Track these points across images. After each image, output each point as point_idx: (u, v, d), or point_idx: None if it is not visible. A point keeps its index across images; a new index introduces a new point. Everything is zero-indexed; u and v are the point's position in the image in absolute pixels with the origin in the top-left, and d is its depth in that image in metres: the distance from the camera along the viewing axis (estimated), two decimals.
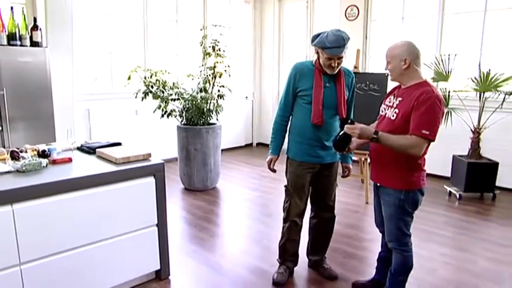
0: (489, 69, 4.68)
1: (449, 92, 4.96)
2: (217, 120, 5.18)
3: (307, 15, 7.08)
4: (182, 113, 5.00)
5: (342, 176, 2.96)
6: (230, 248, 3.53)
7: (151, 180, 2.75)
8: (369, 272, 3.02)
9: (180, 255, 3.34)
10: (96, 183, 2.48)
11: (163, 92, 4.83)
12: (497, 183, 4.83)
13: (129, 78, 4.84)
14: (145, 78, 4.92)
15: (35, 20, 4.07)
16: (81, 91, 5.39)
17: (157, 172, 2.77)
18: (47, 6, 4.62)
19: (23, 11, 4.03)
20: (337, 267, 3.11)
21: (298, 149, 2.78)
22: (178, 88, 4.97)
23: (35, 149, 2.75)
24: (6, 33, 3.88)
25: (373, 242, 3.57)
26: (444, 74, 4.94)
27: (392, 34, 5.99)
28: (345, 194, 4.89)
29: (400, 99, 2.36)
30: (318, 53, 2.62)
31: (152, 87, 4.82)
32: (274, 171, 2.90)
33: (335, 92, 2.68)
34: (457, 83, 5.20)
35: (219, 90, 5.14)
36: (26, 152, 2.71)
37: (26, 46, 3.99)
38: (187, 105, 4.93)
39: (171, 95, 4.88)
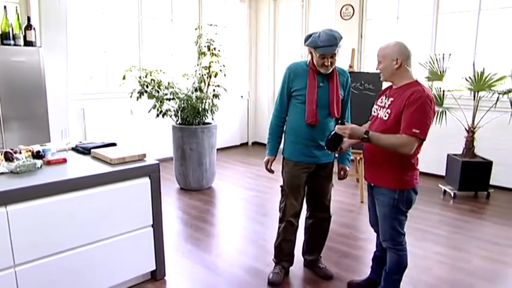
0: (483, 69, 4.70)
1: (443, 91, 4.99)
2: (212, 119, 5.17)
3: (302, 14, 7.07)
4: (177, 112, 4.99)
5: (339, 178, 2.96)
6: (226, 248, 3.53)
7: (146, 181, 2.74)
8: (364, 271, 3.02)
9: (175, 255, 3.33)
10: (91, 184, 2.47)
11: (158, 92, 4.82)
12: (491, 182, 4.85)
13: (124, 77, 4.82)
14: (140, 77, 4.90)
15: (28, 19, 4.04)
16: (75, 91, 5.36)
17: (153, 172, 2.77)
18: (40, 6, 4.59)
19: (16, 11, 4.00)
20: (333, 267, 3.12)
21: (293, 149, 2.79)
22: (173, 88, 4.95)
23: (29, 150, 2.73)
24: (0, 32, 3.85)
25: (369, 241, 3.58)
26: (439, 73, 4.96)
27: (388, 33, 6.01)
28: (340, 193, 4.90)
29: (391, 99, 2.37)
30: (311, 53, 2.63)
31: (147, 86, 4.80)
32: (271, 171, 2.91)
33: (329, 91, 2.68)
34: (452, 82, 5.22)
35: (214, 90, 5.13)
36: (20, 152, 2.69)
37: (20, 46, 3.96)
38: (182, 105, 4.91)
39: (166, 94, 4.86)
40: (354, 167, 5.28)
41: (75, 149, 3.02)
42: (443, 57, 4.92)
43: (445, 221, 4.16)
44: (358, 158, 4.88)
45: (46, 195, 2.29)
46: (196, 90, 5.01)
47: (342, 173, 2.94)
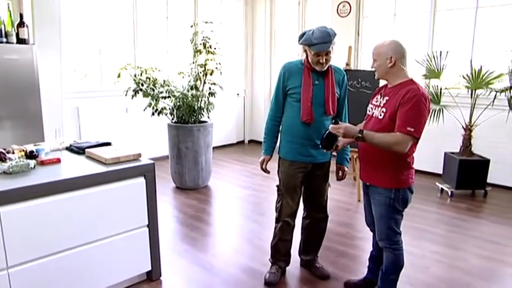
0: (481, 66, 4.69)
1: (440, 89, 4.97)
2: (208, 118, 5.14)
3: (299, 11, 7.04)
4: (173, 111, 4.95)
5: (337, 179, 2.94)
6: (222, 248, 3.51)
7: (141, 181, 2.72)
8: (361, 270, 3.01)
9: (171, 255, 3.31)
10: (85, 184, 2.45)
11: (153, 90, 4.78)
12: (489, 180, 4.86)
13: (118, 75, 4.78)
14: (135, 75, 4.86)
15: (21, 16, 3.98)
16: (70, 89, 5.32)
17: (148, 172, 2.74)
18: (33, 3, 4.52)
19: (8, 7, 3.93)
20: (329, 266, 3.11)
21: (289, 148, 2.77)
22: (168, 86, 4.92)
23: (23, 150, 2.71)
24: None
25: (365, 240, 3.57)
26: (436, 71, 4.94)
27: (385, 31, 5.99)
28: (337, 191, 4.88)
29: (387, 98, 2.37)
30: (306, 51, 2.62)
31: (142, 84, 4.76)
32: (267, 171, 2.89)
33: (324, 88, 2.67)
34: (449, 80, 5.21)
35: (210, 88, 5.09)
36: (13, 152, 2.66)
37: (12, 43, 3.90)
38: (178, 103, 4.88)
39: (161, 92, 4.82)
40: (351, 165, 5.26)
41: (69, 149, 2.99)
42: (440, 55, 4.91)
43: (442, 219, 4.15)
44: (355, 156, 4.86)
45: (40, 196, 2.26)
46: (192, 88, 4.97)
47: (340, 173, 2.92)
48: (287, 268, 3.04)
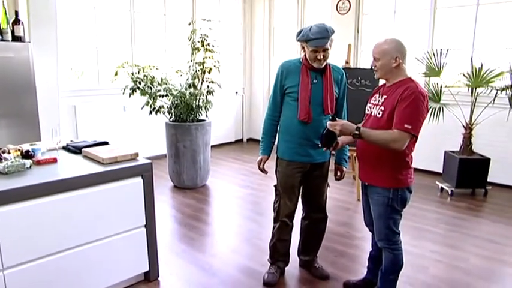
0: (481, 64, 4.66)
1: (441, 87, 4.94)
2: (206, 116, 5.10)
3: (298, 8, 7.00)
4: (171, 109, 4.92)
5: (336, 179, 2.92)
6: (220, 248, 3.48)
7: (139, 181, 2.70)
8: (361, 271, 2.99)
9: (169, 256, 3.29)
10: (82, 184, 2.43)
11: (151, 88, 4.74)
12: (489, 179, 4.84)
13: (116, 74, 4.75)
14: (132, 74, 4.82)
15: (16, 13, 3.94)
16: (66, 87, 5.27)
17: (145, 172, 2.72)
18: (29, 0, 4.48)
19: (3, 4, 3.90)
20: (329, 266, 3.09)
21: (286, 147, 2.74)
22: (166, 84, 4.88)
23: (18, 149, 2.68)
24: None
25: (365, 240, 3.54)
26: (436, 69, 4.91)
27: (384, 28, 5.95)
28: (336, 191, 4.86)
29: (385, 96, 2.36)
30: (303, 48, 2.60)
31: (140, 83, 4.72)
32: (264, 171, 2.86)
33: (322, 87, 2.64)
34: (449, 78, 5.18)
35: (208, 86, 5.06)
36: (9, 152, 2.62)
37: (8, 41, 3.86)
38: (176, 102, 4.85)
39: (159, 91, 4.78)
40: (350, 164, 5.24)
41: (66, 148, 2.96)
42: (440, 53, 4.87)
43: (442, 219, 4.13)
44: (354, 155, 4.84)
45: (36, 197, 2.24)
46: (190, 86, 4.94)
47: (339, 173, 2.90)
48: (286, 268, 3.02)
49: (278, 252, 2.93)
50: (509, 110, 4.68)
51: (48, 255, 2.34)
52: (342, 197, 4.72)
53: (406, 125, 2.18)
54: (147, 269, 2.86)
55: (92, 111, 5.49)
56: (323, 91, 2.64)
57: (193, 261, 3.21)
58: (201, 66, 4.99)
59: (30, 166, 2.49)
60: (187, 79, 5.04)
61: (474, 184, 4.81)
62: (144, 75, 4.80)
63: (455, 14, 5.39)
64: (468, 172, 4.71)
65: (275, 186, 2.85)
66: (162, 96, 4.84)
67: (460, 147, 4.91)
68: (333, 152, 2.68)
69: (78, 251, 2.46)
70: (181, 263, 3.19)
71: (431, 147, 5.34)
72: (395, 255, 2.46)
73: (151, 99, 4.75)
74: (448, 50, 4.86)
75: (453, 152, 4.95)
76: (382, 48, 2.31)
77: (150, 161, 2.77)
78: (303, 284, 2.91)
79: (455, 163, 4.74)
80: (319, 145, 2.47)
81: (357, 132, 2.26)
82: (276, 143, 2.86)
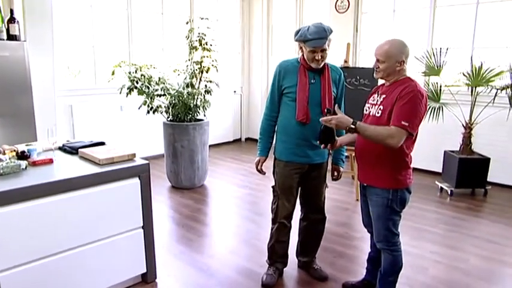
0: (481, 63, 4.63)
1: (440, 86, 4.92)
2: (204, 116, 5.07)
3: (296, 7, 6.97)
4: (168, 109, 4.89)
5: (332, 179, 2.90)
6: (218, 249, 3.46)
7: (136, 182, 2.68)
8: (360, 272, 2.97)
9: (167, 257, 3.26)
10: (78, 185, 2.41)
11: (148, 88, 4.70)
12: (489, 179, 4.83)
13: (113, 73, 4.71)
14: (130, 73, 4.78)
15: (11, 12, 3.90)
16: (63, 87, 5.24)
17: (142, 173, 2.70)
18: None
19: None
20: (327, 267, 3.07)
21: (283, 148, 2.72)
22: (164, 83, 4.85)
23: (14, 150, 2.66)
24: None
25: (364, 240, 3.52)
26: (436, 68, 4.89)
27: (384, 27, 5.92)
28: (335, 191, 4.83)
29: (384, 96, 2.34)
30: (301, 48, 2.58)
31: (137, 82, 4.68)
32: (262, 172, 2.84)
33: (320, 87, 2.62)
34: (449, 77, 5.16)
35: (206, 86, 5.03)
36: (4, 153, 2.60)
37: (3, 40, 3.82)
38: (173, 101, 4.81)
39: (156, 90, 4.75)
40: (349, 164, 5.22)
41: (62, 149, 2.94)
42: (440, 52, 4.85)
43: (441, 219, 4.11)
44: (353, 154, 4.81)
45: (31, 198, 2.22)
46: (187, 86, 4.91)
47: (336, 174, 2.88)
48: (284, 269, 3.00)
49: (276, 254, 2.91)
50: (509, 110, 4.66)
51: (43, 257, 2.31)
52: (341, 197, 4.69)
53: (403, 122, 2.16)
54: (145, 270, 2.83)
55: (88, 110, 5.46)
56: (321, 91, 2.61)
57: (191, 262, 3.19)
58: (199, 66, 4.95)
59: (26, 167, 2.46)
60: (185, 78, 5.01)
61: (474, 184, 4.79)
62: (142, 75, 4.77)
63: (455, 12, 5.36)
64: (468, 172, 4.69)
65: (273, 187, 2.83)
66: (160, 95, 4.80)
67: (460, 147, 4.88)
68: (331, 151, 2.66)
69: (74, 253, 2.43)
70: (179, 264, 3.17)
71: (431, 146, 5.32)
72: (394, 257, 2.44)
73: (149, 98, 4.72)
74: (447, 49, 4.84)
75: (453, 151, 4.93)
76: (387, 51, 2.28)
77: (147, 161, 2.74)
78: (301, 286, 2.89)
79: (455, 163, 4.71)
80: (318, 142, 2.44)
81: (352, 126, 2.22)
82: (273, 143, 2.84)
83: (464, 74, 4.75)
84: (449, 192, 4.79)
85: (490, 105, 4.72)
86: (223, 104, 7.17)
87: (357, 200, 4.56)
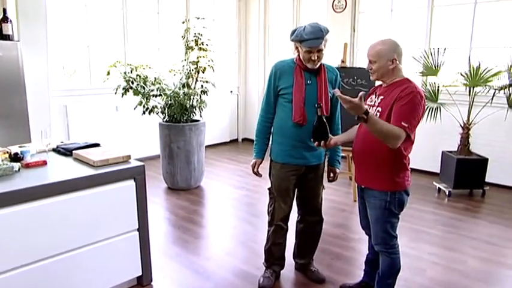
0: (479, 63, 4.62)
1: (438, 86, 4.91)
2: (200, 116, 5.04)
3: (293, 6, 6.95)
4: (164, 109, 4.85)
5: (328, 181, 2.88)
6: (215, 251, 3.43)
7: (131, 184, 2.65)
8: (357, 274, 2.95)
9: (163, 259, 3.23)
10: (72, 188, 2.38)
11: (144, 88, 4.67)
12: (487, 179, 4.82)
13: (108, 73, 4.67)
14: (125, 73, 4.74)
15: (4, 11, 3.86)
16: (58, 87, 5.20)
17: (138, 175, 2.67)
18: None
19: None
20: (325, 269, 3.04)
21: (279, 149, 2.69)
22: (160, 84, 4.81)
23: (7, 152, 2.62)
24: None
25: (361, 242, 3.50)
26: (433, 68, 4.88)
27: (381, 27, 5.90)
28: (333, 192, 4.81)
29: (381, 97, 2.32)
30: (297, 48, 2.55)
31: (133, 82, 4.65)
32: (259, 175, 2.81)
33: (317, 88, 2.59)
34: (447, 77, 5.14)
35: (202, 86, 5.00)
36: None
37: None
38: (169, 102, 4.78)
39: (152, 90, 4.71)
40: (346, 165, 5.20)
41: (56, 150, 2.91)
42: (438, 52, 4.84)
43: (439, 220, 4.09)
44: (349, 155, 4.79)
45: (24, 201, 2.19)
46: (183, 86, 4.87)
47: (332, 175, 2.86)
48: (281, 272, 2.98)
49: (273, 256, 2.88)
50: (507, 110, 4.65)
51: (37, 260, 2.29)
52: (338, 198, 4.67)
53: (403, 123, 2.14)
54: (140, 273, 2.81)
55: (83, 111, 5.42)
56: (318, 92, 2.59)
57: (187, 264, 3.16)
58: (195, 66, 4.93)
59: (19, 169, 2.43)
60: (181, 78, 4.97)
61: (472, 184, 4.78)
62: (137, 75, 4.74)
63: (453, 12, 5.35)
64: (466, 172, 4.68)
65: (269, 189, 2.80)
66: (156, 96, 4.77)
67: (458, 147, 4.87)
68: (325, 149, 2.64)
69: (68, 256, 2.41)
70: (175, 266, 3.14)
71: (429, 147, 5.31)
72: (392, 259, 2.43)
73: (145, 99, 4.68)
74: (445, 48, 4.83)
75: (451, 152, 4.92)
76: (378, 50, 2.26)
77: (142, 163, 2.72)
78: None
79: (453, 163, 4.70)
80: (312, 139, 2.42)
81: (365, 116, 2.08)
82: (269, 145, 2.81)
83: (462, 74, 4.75)
84: (447, 193, 4.77)
85: (488, 106, 4.72)
86: (219, 104, 7.14)
87: (355, 201, 4.54)
